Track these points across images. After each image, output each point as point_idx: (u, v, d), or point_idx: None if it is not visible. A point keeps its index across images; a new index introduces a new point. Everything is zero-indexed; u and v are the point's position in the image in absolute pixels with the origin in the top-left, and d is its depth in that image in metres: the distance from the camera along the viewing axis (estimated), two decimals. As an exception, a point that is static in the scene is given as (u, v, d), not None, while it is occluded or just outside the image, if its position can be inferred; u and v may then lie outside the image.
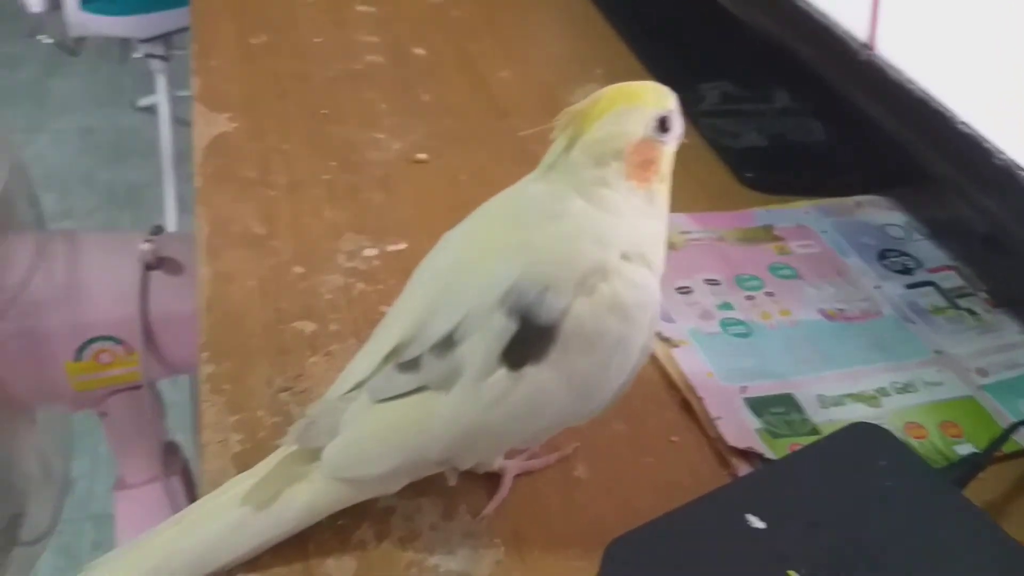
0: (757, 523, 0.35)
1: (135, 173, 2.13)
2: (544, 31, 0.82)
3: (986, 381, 0.48)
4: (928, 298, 0.53)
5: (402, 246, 0.54)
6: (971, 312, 0.52)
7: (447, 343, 0.34)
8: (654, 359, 0.48)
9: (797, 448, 0.42)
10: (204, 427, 0.41)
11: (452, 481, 0.39)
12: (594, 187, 0.36)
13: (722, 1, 0.66)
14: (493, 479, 0.40)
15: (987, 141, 0.43)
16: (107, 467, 1.44)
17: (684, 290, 0.52)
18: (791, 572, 0.33)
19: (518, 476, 0.40)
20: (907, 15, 0.49)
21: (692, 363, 0.47)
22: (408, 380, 0.35)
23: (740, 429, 0.43)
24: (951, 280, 0.55)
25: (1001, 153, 0.42)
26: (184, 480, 0.91)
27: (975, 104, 0.44)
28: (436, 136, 0.64)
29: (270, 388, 0.44)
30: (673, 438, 0.43)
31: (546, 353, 0.34)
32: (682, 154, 0.64)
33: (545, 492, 0.40)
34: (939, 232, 0.59)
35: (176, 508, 0.87)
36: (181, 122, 1.81)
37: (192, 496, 0.89)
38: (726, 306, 0.51)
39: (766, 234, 0.58)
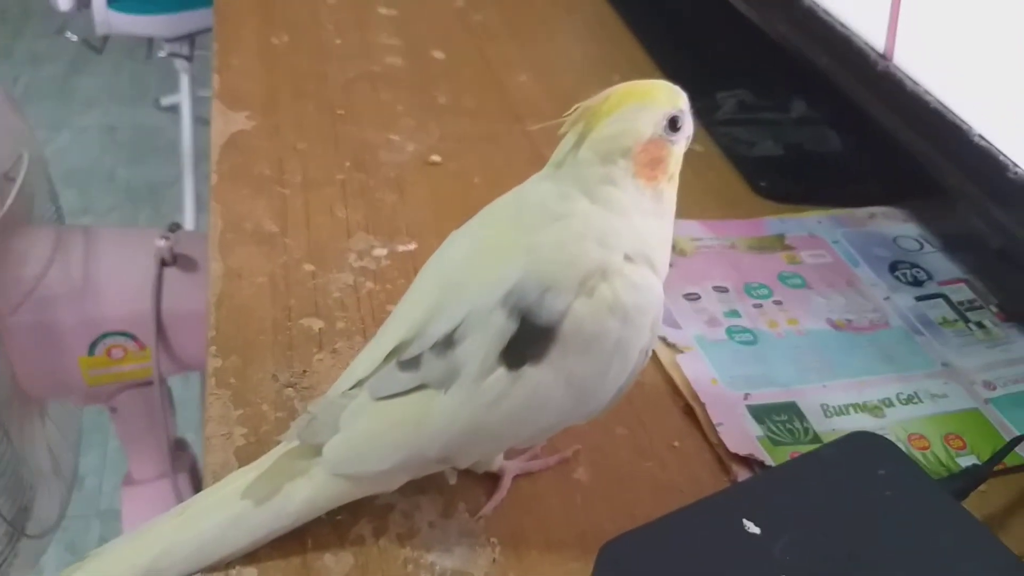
0: (753, 528, 0.35)
1: (155, 171, 2.15)
2: (563, 36, 0.82)
3: (992, 395, 0.48)
4: (938, 310, 0.53)
5: (412, 247, 0.54)
6: (980, 325, 0.52)
7: (447, 342, 0.35)
8: (658, 364, 0.48)
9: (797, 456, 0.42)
10: (209, 420, 0.41)
11: (452, 480, 0.39)
12: (600, 185, 0.36)
13: (742, 9, 0.67)
14: (493, 479, 0.40)
15: (1003, 155, 0.43)
16: (115, 464, 1.46)
17: (692, 296, 0.52)
18: (785, 578, 0.33)
19: (517, 477, 0.41)
20: (925, 27, 0.49)
21: (696, 369, 0.47)
22: (408, 378, 0.35)
23: (741, 436, 0.43)
24: (962, 293, 0.55)
25: (1016, 167, 0.42)
26: (192, 478, 0.92)
27: (991, 117, 0.44)
28: (451, 139, 0.65)
29: (276, 383, 0.44)
30: (675, 443, 0.43)
31: (545, 353, 0.34)
32: (696, 161, 0.65)
33: (544, 493, 0.40)
34: (951, 245, 0.59)
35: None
36: (202, 122, 1.83)
37: (199, 493, 0.90)
38: (733, 313, 0.51)
39: (777, 243, 0.58)
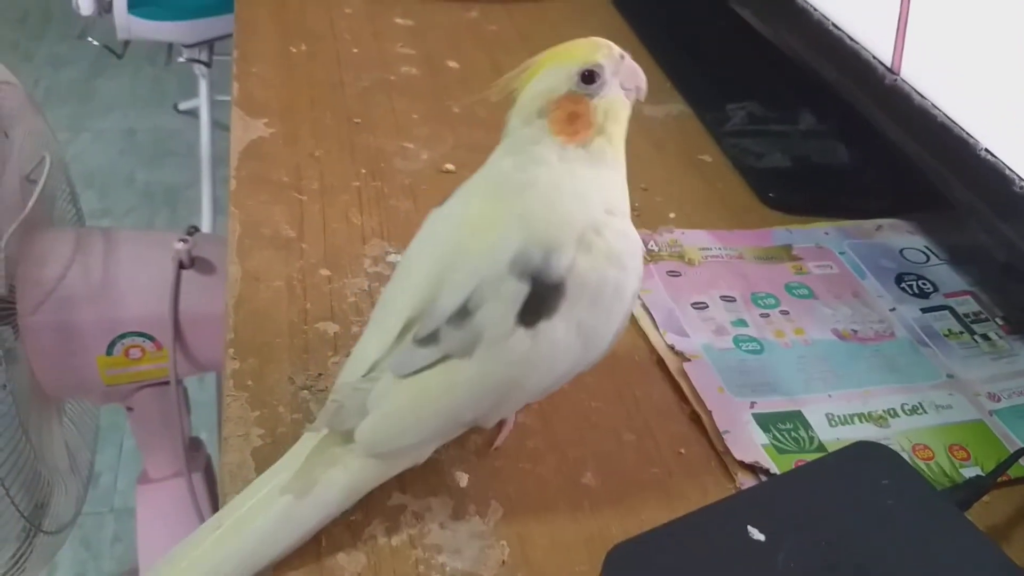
0: (757, 535, 0.36)
1: (173, 174, 2.17)
2: (576, 47, 0.83)
3: (997, 406, 0.48)
4: (943, 322, 0.54)
5: (426, 253, 0.55)
6: (986, 337, 0.53)
7: (462, 313, 0.37)
8: (666, 372, 0.49)
9: (802, 464, 0.43)
10: (227, 420, 0.42)
11: (463, 483, 0.40)
12: (526, 146, 0.39)
13: (752, 22, 0.67)
14: (499, 488, 0.41)
15: (1009, 169, 0.44)
16: (131, 461, 1.47)
17: (700, 305, 0.53)
18: (787, 583, 0.34)
19: (525, 474, 0.42)
20: (932, 42, 0.49)
21: (703, 377, 0.48)
22: (429, 353, 0.37)
23: (747, 444, 0.44)
24: (967, 305, 0.55)
25: (1022, 181, 0.43)
26: (207, 477, 0.93)
27: (998, 132, 0.45)
28: (464, 147, 0.66)
29: (292, 386, 0.45)
30: (681, 450, 0.44)
31: (557, 308, 0.37)
32: (705, 171, 0.66)
33: (553, 497, 0.41)
34: (958, 257, 0.59)
35: (198, 504, 0.89)
36: (220, 126, 1.85)
37: (213, 493, 0.91)
38: (740, 323, 0.52)
39: (785, 254, 0.58)
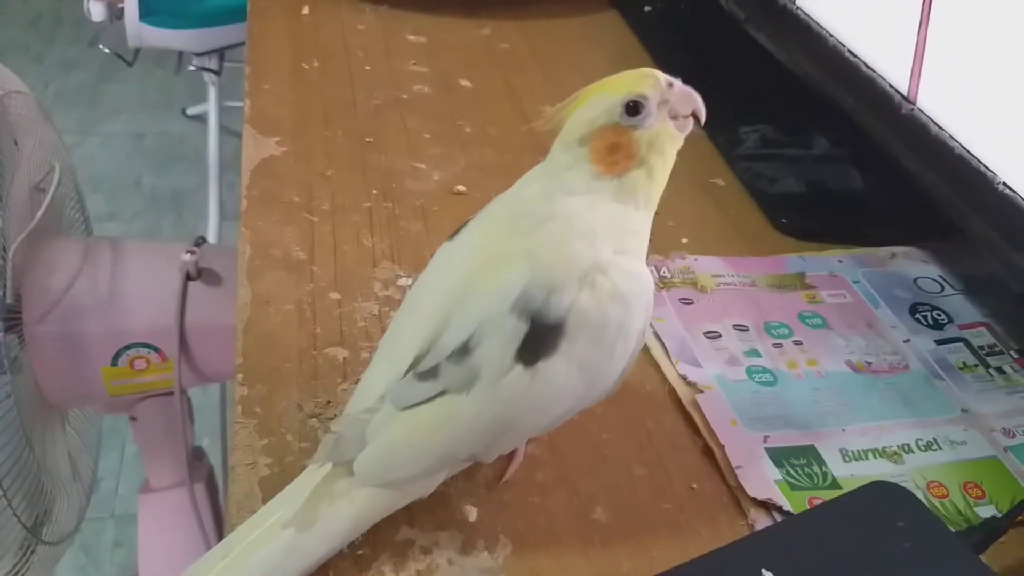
0: (771, 578, 0.35)
1: (181, 179, 2.18)
2: (589, 66, 0.83)
3: (1012, 443, 0.48)
4: (958, 354, 0.53)
5: (436, 276, 0.55)
6: (1000, 371, 0.52)
7: (463, 350, 0.36)
8: (678, 403, 0.48)
9: (816, 501, 0.43)
10: (234, 449, 0.42)
11: (472, 517, 0.40)
12: (560, 171, 0.39)
13: (767, 46, 0.67)
14: (508, 522, 0.41)
15: (1026, 203, 0.43)
16: (133, 467, 1.47)
17: (712, 335, 0.53)
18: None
19: (535, 507, 0.41)
20: (950, 72, 0.49)
21: (716, 410, 0.48)
22: (428, 387, 0.37)
23: (760, 479, 0.44)
24: (982, 337, 0.55)
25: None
26: (208, 487, 0.92)
27: (1017, 166, 0.44)
28: (476, 168, 0.66)
29: (300, 413, 0.45)
30: (693, 485, 0.44)
31: (557, 346, 0.37)
32: (718, 196, 0.65)
33: (563, 533, 0.41)
34: (973, 288, 0.59)
35: (199, 515, 0.88)
36: (228, 131, 1.85)
37: (215, 504, 0.91)
38: (753, 353, 0.52)
39: (798, 282, 0.58)
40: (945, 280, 0.59)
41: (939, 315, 0.56)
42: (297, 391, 0.46)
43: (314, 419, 0.44)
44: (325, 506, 0.37)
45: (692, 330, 0.53)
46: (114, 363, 0.82)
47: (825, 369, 0.51)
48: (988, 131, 0.46)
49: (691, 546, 0.40)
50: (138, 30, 1.54)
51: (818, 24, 0.60)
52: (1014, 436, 0.48)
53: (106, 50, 1.70)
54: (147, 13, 1.55)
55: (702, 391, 0.49)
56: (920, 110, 0.51)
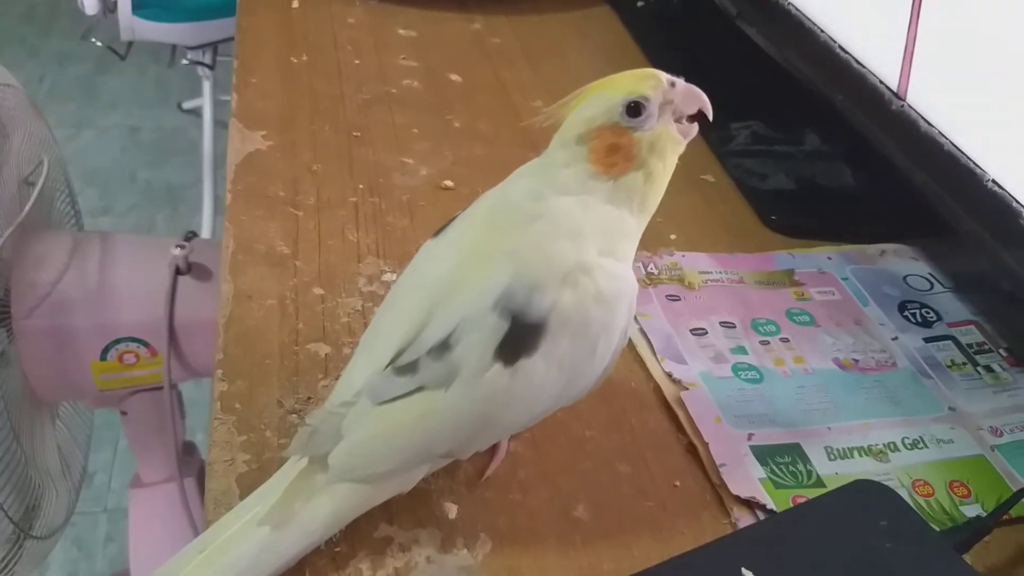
0: (751, 578, 0.35)
1: (175, 173, 2.17)
2: (580, 62, 0.82)
3: (999, 441, 0.47)
4: (946, 352, 0.53)
5: (422, 272, 0.54)
6: (989, 369, 0.52)
7: (443, 346, 0.36)
8: (663, 400, 0.48)
9: (800, 500, 0.42)
10: (213, 445, 0.41)
11: (451, 515, 0.40)
12: (554, 168, 0.39)
13: (759, 42, 0.67)
14: (488, 520, 0.40)
15: (1016, 201, 0.43)
16: (126, 461, 1.46)
17: (699, 331, 0.52)
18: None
19: (516, 506, 0.41)
20: (941, 68, 0.49)
21: (701, 407, 0.47)
22: (406, 382, 0.36)
23: (744, 477, 0.43)
24: (971, 335, 0.55)
25: (1028, 214, 0.42)
26: (199, 482, 0.92)
27: (1006, 163, 0.44)
28: (464, 163, 0.65)
29: (280, 409, 0.44)
30: (676, 483, 0.43)
31: (537, 345, 0.36)
32: (708, 193, 0.65)
33: (544, 531, 0.40)
34: (962, 285, 0.58)
35: (190, 510, 0.88)
36: (223, 125, 1.84)
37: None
38: (740, 350, 0.51)
39: (786, 279, 0.58)
40: (934, 277, 0.59)
41: (928, 313, 0.56)
42: (278, 387, 0.45)
43: (294, 415, 0.44)
44: (302, 502, 0.36)
45: (678, 327, 0.53)
46: (103, 357, 0.81)
47: (812, 367, 0.51)
48: (978, 128, 0.46)
49: (673, 544, 0.40)
50: (131, 23, 1.54)
51: (809, 20, 0.59)
52: (1001, 435, 0.48)
53: (98, 43, 1.70)
54: (140, 6, 1.55)
55: (687, 388, 0.48)
56: (910, 107, 0.50)
